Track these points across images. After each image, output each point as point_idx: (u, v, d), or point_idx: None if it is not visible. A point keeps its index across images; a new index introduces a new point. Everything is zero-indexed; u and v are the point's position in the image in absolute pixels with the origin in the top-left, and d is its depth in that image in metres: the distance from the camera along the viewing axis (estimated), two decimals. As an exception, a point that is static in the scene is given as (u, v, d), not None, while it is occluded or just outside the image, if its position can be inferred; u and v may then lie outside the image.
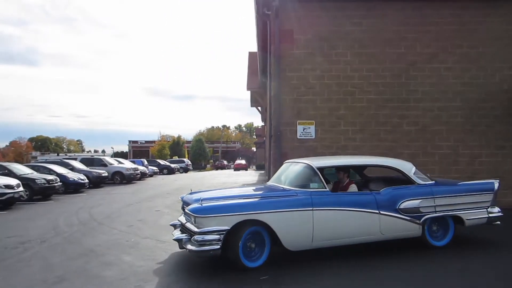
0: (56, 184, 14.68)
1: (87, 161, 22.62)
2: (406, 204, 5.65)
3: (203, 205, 5.05)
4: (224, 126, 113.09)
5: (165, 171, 37.25)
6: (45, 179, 14.31)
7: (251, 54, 24.55)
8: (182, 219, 5.77)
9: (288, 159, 7.24)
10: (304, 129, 9.80)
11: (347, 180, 6.19)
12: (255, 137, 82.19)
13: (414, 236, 5.76)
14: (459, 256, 5.59)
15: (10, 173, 14.04)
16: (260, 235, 5.12)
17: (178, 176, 32.53)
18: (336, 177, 6.42)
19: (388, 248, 5.91)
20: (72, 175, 17.10)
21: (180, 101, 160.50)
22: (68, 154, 62.85)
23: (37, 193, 13.95)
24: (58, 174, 16.06)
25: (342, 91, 9.86)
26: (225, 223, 4.85)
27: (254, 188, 6.72)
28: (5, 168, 14.56)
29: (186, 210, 5.49)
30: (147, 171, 28.54)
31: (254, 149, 72.82)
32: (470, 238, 6.54)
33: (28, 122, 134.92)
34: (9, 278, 5.06)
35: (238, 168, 46.78)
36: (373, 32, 9.91)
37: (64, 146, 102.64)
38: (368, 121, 9.86)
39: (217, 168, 56.34)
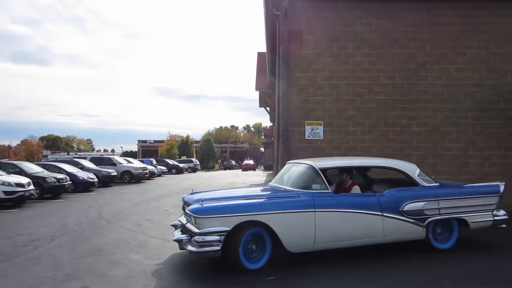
0: (66, 183, 14.85)
1: (96, 160, 22.89)
2: (410, 206, 5.56)
3: (204, 205, 4.97)
4: (232, 126, 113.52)
5: (173, 170, 37.55)
6: (55, 177, 14.48)
7: (260, 55, 24.58)
8: (183, 219, 5.68)
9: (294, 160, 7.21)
10: (312, 129, 9.76)
11: (350, 182, 6.13)
12: (263, 137, 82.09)
13: (418, 239, 5.68)
14: (462, 259, 5.49)
15: (21, 172, 14.30)
16: (261, 237, 5.03)
17: (186, 176, 32.72)
18: (338, 178, 6.34)
19: (391, 249, 5.85)
20: (82, 174, 17.33)
21: (189, 101, 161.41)
22: (78, 153, 63.44)
23: (48, 191, 14.16)
24: (68, 173, 16.30)
25: (351, 92, 9.80)
26: (226, 224, 4.78)
27: (255, 188, 6.68)
28: (16, 166, 14.85)
29: (186, 211, 5.38)
30: (156, 171, 28.76)
31: (262, 149, 72.82)
32: (474, 240, 6.45)
33: (40, 121, 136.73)
34: (18, 275, 5.13)
35: (246, 168, 46.94)
36: (383, 32, 9.84)
37: (74, 145, 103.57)
38: (377, 122, 9.78)
39: (225, 168, 56.70)
